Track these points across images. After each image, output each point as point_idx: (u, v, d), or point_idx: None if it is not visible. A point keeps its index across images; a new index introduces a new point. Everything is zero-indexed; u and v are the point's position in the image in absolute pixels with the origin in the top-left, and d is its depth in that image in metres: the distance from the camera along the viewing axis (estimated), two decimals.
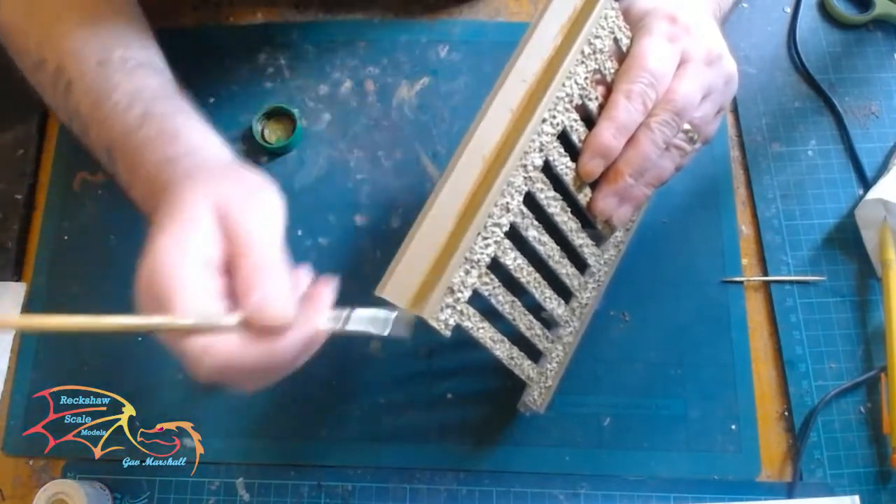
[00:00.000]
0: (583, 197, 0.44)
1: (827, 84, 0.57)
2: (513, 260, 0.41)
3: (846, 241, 0.53)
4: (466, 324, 0.40)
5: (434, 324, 0.38)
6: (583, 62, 0.41)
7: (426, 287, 0.37)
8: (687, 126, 0.43)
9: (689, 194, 0.54)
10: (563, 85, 0.40)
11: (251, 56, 0.58)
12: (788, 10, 0.60)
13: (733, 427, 0.49)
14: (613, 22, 0.42)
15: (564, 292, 0.46)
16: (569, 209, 0.43)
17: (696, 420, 0.50)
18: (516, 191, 0.39)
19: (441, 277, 0.37)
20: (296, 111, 0.56)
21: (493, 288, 0.40)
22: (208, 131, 0.44)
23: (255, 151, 0.56)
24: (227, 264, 0.34)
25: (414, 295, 0.38)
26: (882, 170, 0.55)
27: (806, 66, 0.57)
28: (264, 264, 0.34)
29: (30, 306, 0.53)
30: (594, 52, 0.41)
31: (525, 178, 0.40)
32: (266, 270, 0.34)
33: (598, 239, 0.47)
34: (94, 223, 0.55)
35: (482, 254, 0.39)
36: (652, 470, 0.49)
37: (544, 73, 0.40)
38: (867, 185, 0.54)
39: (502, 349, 0.42)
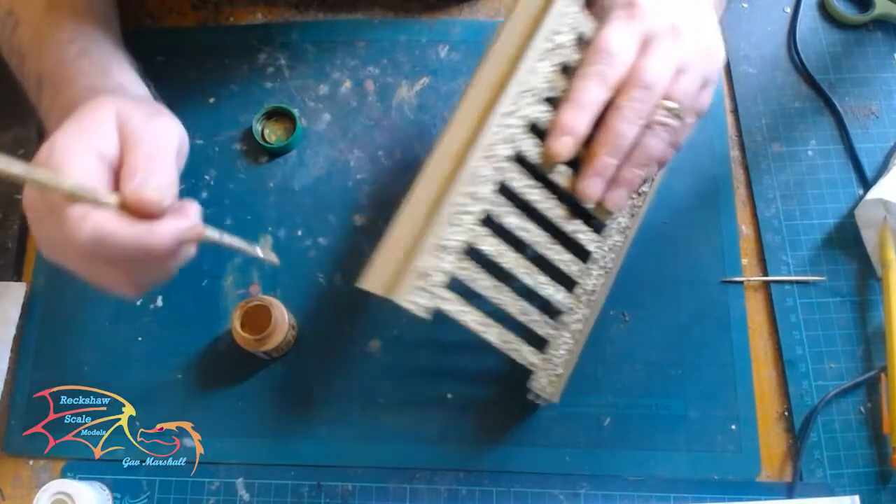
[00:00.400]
0: (569, 183, 0.44)
1: (827, 84, 0.57)
2: (492, 246, 0.42)
3: (846, 241, 0.53)
4: (446, 307, 0.41)
5: (406, 305, 0.40)
6: (545, 58, 0.43)
7: (399, 273, 0.40)
8: (671, 104, 0.43)
9: (689, 194, 0.54)
10: (527, 80, 0.42)
11: (251, 56, 0.58)
12: (788, 10, 0.60)
13: (733, 427, 0.49)
14: (574, 18, 0.44)
15: (566, 279, 0.46)
16: (554, 197, 0.44)
17: (696, 420, 0.50)
18: (485, 180, 0.42)
19: (411, 263, 0.40)
20: (296, 111, 0.56)
21: (473, 273, 0.42)
22: (138, 79, 0.47)
23: (254, 151, 0.56)
24: (120, 166, 0.36)
25: (388, 281, 0.40)
26: (882, 170, 0.55)
27: (806, 66, 0.57)
28: (152, 156, 0.36)
29: (30, 306, 0.53)
30: (556, 48, 0.43)
31: (495, 167, 0.42)
32: (153, 161, 0.35)
33: (600, 226, 0.47)
34: None
35: (454, 240, 0.41)
36: (652, 470, 0.49)
37: (507, 71, 0.43)
38: (867, 185, 0.54)
39: (493, 333, 0.43)
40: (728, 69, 0.58)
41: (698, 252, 0.53)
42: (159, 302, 0.53)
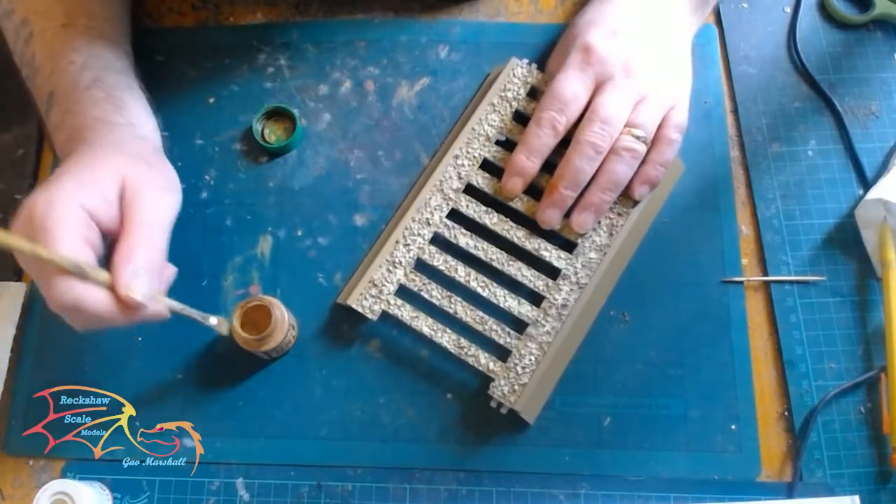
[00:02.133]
0: (529, 207, 0.51)
1: (827, 84, 0.57)
2: (443, 262, 0.50)
3: (846, 240, 0.53)
4: (396, 312, 0.49)
5: (357, 308, 0.49)
6: (496, 110, 0.52)
7: (356, 284, 0.50)
8: (637, 131, 0.47)
9: (689, 194, 0.54)
10: (475, 128, 0.52)
11: (251, 56, 0.58)
12: (788, 10, 0.60)
13: (733, 427, 0.49)
14: (523, 74, 0.53)
15: (533, 294, 0.50)
16: (508, 220, 0.51)
17: (696, 420, 0.50)
18: (435, 208, 0.51)
19: (365, 275, 0.50)
20: (296, 111, 0.56)
21: (422, 284, 0.50)
22: (149, 112, 0.50)
23: (254, 151, 0.56)
24: (109, 228, 0.40)
25: (347, 291, 0.51)
26: (882, 170, 0.55)
27: (806, 66, 0.57)
28: (148, 245, 0.40)
29: (30, 306, 0.53)
30: (505, 101, 0.53)
31: (445, 198, 0.51)
32: (146, 251, 0.40)
33: (571, 244, 0.51)
34: None
35: (404, 257, 0.50)
36: (652, 470, 0.49)
37: (462, 125, 0.53)
38: (867, 184, 0.54)
39: (447, 339, 0.49)
40: (728, 69, 0.58)
41: (698, 252, 0.53)
42: None
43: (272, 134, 0.57)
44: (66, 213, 0.38)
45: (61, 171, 0.41)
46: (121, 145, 0.44)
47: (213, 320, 0.45)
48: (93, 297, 0.38)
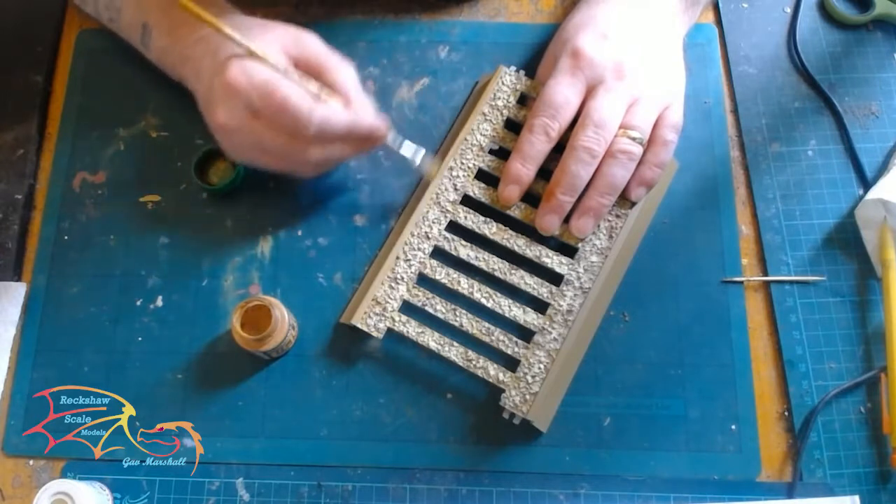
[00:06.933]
0: (527, 215, 0.51)
1: (827, 84, 0.57)
2: (445, 275, 0.50)
3: (846, 241, 0.53)
4: (401, 329, 0.49)
5: (362, 327, 0.49)
6: (487, 120, 0.52)
7: (358, 302, 0.50)
8: (633, 132, 0.47)
9: (689, 194, 0.54)
10: (468, 139, 0.52)
11: None
12: (788, 10, 0.60)
13: (733, 427, 0.49)
14: (512, 81, 0.53)
15: (536, 301, 0.50)
16: (507, 229, 0.50)
17: (696, 420, 0.50)
18: (434, 221, 0.50)
19: (367, 292, 0.49)
20: None
21: (426, 299, 0.49)
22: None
23: (198, 191, 0.55)
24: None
25: (350, 310, 0.50)
26: (882, 170, 0.55)
27: (806, 67, 0.58)
28: (358, 97, 0.47)
29: (30, 306, 0.53)
30: (496, 109, 0.52)
31: (441, 210, 0.51)
32: (360, 100, 0.47)
33: (572, 249, 0.51)
34: (94, 223, 0.55)
35: (406, 272, 0.50)
36: (652, 470, 0.49)
37: (455, 137, 0.53)
38: (867, 185, 0.54)
39: (455, 352, 0.49)
40: (728, 69, 0.58)
41: (698, 252, 0.53)
42: (159, 302, 0.53)
43: (214, 175, 0.55)
44: (278, 60, 0.45)
45: (227, 53, 0.45)
46: (255, 27, 0.47)
47: (417, 159, 0.51)
48: (335, 110, 0.45)
